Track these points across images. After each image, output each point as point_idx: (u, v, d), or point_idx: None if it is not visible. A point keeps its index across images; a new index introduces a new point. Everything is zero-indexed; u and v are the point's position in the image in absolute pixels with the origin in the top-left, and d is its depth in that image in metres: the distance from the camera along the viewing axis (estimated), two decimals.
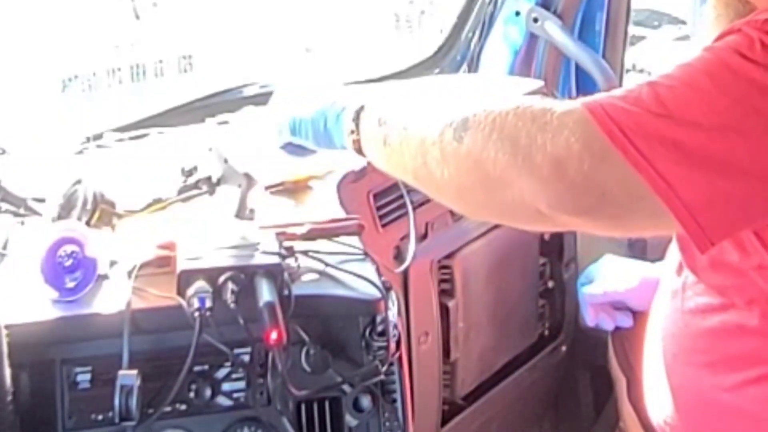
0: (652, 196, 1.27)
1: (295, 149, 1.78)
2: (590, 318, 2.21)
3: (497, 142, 1.34)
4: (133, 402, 1.46)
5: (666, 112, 1.28)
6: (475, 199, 1.44)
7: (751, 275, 1.55)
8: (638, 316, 2.12)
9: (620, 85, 2.84)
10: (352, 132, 1.61)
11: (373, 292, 1.65)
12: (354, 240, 1.78)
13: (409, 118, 1.50)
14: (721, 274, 1.61)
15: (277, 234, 1.67)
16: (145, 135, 2.26)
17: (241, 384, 1.65)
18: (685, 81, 1.31)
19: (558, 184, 1.30)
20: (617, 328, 2.22)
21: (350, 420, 1.68)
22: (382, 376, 1.68)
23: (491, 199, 1.40)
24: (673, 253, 1.75)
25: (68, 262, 1.58)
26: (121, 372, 1.48)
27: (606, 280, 2.20)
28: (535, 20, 2.72)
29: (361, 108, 1.61)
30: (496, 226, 2.47)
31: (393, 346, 1.67)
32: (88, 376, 1.58)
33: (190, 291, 1.51)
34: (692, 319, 1.69)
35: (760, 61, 1.28)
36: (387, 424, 1.70)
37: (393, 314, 1.68)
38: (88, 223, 1.76)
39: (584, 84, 2.94)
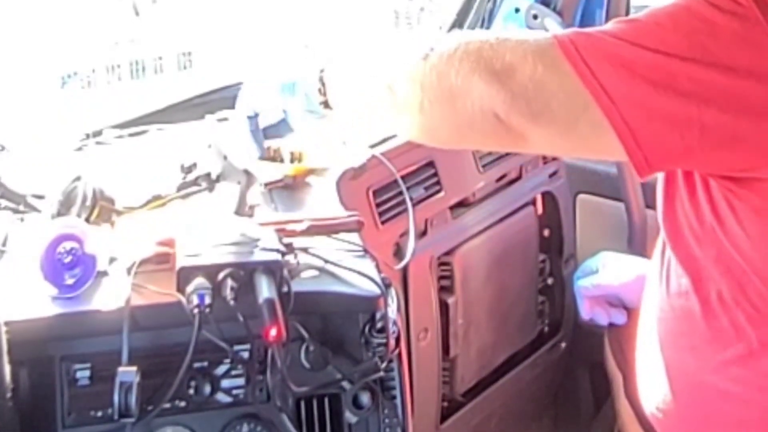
0: (595, 108, 1.35)
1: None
2: (585, 311, 2.22)
3: (462, 54, 1.42)
4: (133, 399, 1.46)
5: (621, 37, 1.38)
6: (436, 113, 1.49)
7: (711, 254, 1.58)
8: (633, 313, 2.12)
9: None
10: (319, 90, 1.71)
11: (373, 289, 1.65)
12: (353, 237, 1.78)
13: (377, 62, 1.61)
14: (695, 253, 1.63)
15: (277, 231, 1.67)
16: (144, 132, 2.26)
17: (241, 381, 1.65)
18: (645, 17, 1.40)
19: (513, 85, 1.38)
20: (611, 325, 2.23)
21: (350, 417, 1.68)
22: (382, 373, 1.69)
23: (452, 110, 1.46)
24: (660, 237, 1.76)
25: (67, 259, 1.58)
26: (120, 369, 1.48)
27: (602, 273, 2.20)
28: (535, 17, 2.72)
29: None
30: (495, 223, 2.48)
31: (392, 342, 1.67)
32: (87, 373, 1.59)
33: (189, 288, 1.51)
34: (676, 300, 1.70)
35: (716, 4, 1.36)
36: (386, 420, 1.71)
37: (392, 311, 1.68)
38: (87, 220, 1.76)
39: None
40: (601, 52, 1.37)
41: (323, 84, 1.69)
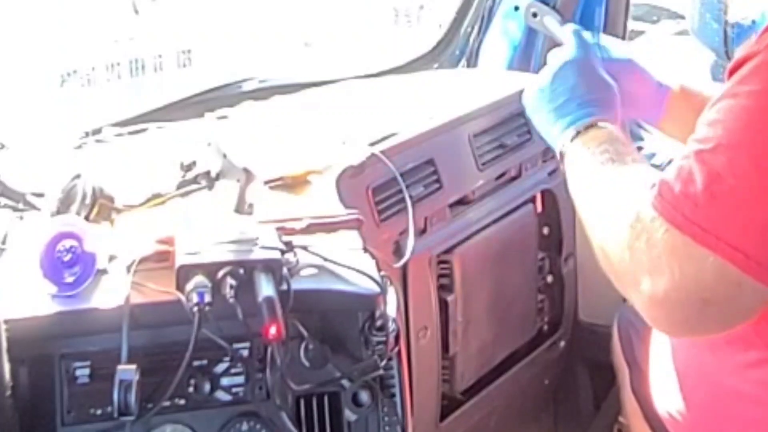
0: (745, 276, 1.30)
1: None
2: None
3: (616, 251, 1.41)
4: (132, 397, 1.46)
5: (719, 181, 1.30)
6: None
7: None
8: None
9: None
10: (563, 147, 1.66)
11: (372, 287, 1.65)
12: (353, 235, 1.78)
13: (591, 175, 1.57)
14: None
15: (277, 229, 1.67)
16: (144, 130, 2.27)
17: (240, 379, 1.65)
18: (726, 139, 1.33)
19: (656, 302, 1.36)
20: (622, 318, 2.22)
21: (349, 415, 1.68)
22: (381, 371, 1.69)
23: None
24: None
25: (67, 257, 1.58)
26: (120, 367, 1.48)
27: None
28: (534, 15, 2.71)
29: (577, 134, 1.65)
30: (494, 221, 2.48)
31: (392, 340, 1.68)
32: (87, 371, 1.59)
33: (189, 286, 1.51)
34: None
35: None
36: (386, 418, 1.71)
37: (392, 309, 1.68)
38: (87, 218, 1.76)
39: None
40: (725, 217, 1.30)
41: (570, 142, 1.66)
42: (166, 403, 1.57)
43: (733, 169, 1.30)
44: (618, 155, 1.56)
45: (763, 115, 1.31)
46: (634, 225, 1.37)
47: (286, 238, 1.66)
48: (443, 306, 2.35)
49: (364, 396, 1.67)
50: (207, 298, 1.49)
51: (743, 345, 1.62)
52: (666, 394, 1.81)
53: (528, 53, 2.83)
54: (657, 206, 1.34)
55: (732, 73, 1.38)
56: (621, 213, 1.41)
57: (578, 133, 1.64)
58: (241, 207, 1.79)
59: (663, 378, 1.82)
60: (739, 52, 1.38)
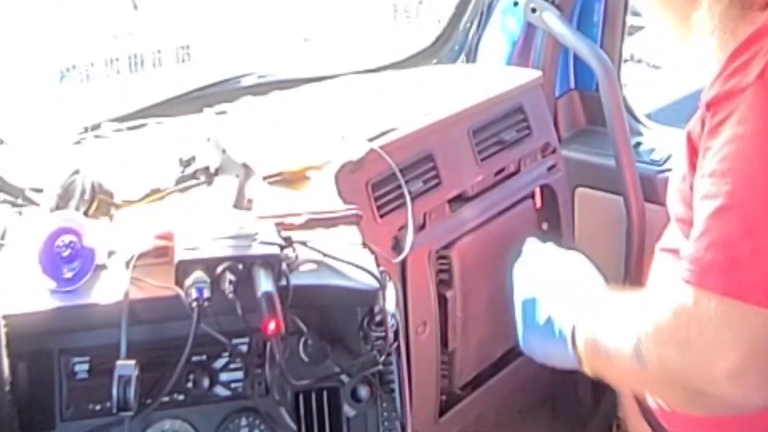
0: None
1: None
2: None
3: (671, 387, 1.42)
4: (131, 392, 1.46)
5: (748, 244, 1.27)
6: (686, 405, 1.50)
7: None
8: None
9: (618, 75, 2.84)
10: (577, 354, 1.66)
11: (371, 283, 1.65)
12: (352, 230, 1.78)
13: (607, 342, 1.53)
14: None
15: (276, 224, 1.67)
16: (143, 125, 2.26)
17: (239, 374, 1.65)
18: (742, 194, 1.29)
19: (739, 379, 1.31)
20: None
21: (348, 410, 1.68)
22: (380, 366, 1.69)
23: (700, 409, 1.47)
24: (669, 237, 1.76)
25: (66, 252, 1.58)
26: (119, 362, 1.48)
27: None
28: (533, 10, 2.72)
29: (573, 329, 1.63)
30: (494, 217, 2.48)
31: (391, 336, 1.68)
32: (85, 366, 1.59)
33: (188, 281, 1.51)
34: None
35: None
36: (385, 414, 1.71)
37: (391, 304, 1.68)
38: (86, 214, 1.76)
39: (582, 74, 2.94)
40: (759, 265, 1.27)
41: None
42: (165, 399, 1.58)
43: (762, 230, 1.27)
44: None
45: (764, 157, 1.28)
46: (672, 318, 1.34)
47: (285, 234, 1.66)
48: (442, 301, 2.35)
49: (363, 391, 1.67)
50: (206, 294, 1.49)
51: None
52: None
53: (527, 49, 2.83)
54: (696, 280, 1.30)
55: (711, 106, 1.34)
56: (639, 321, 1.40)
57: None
58: (240, 202, 1.79)
59: None
60: (715, 85, 1.34)
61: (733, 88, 1.30)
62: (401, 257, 2.12)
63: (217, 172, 1.89)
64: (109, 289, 1.57)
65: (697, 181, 1.35)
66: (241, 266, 1.54)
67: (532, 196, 2.63)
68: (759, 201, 1.27)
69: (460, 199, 2.42)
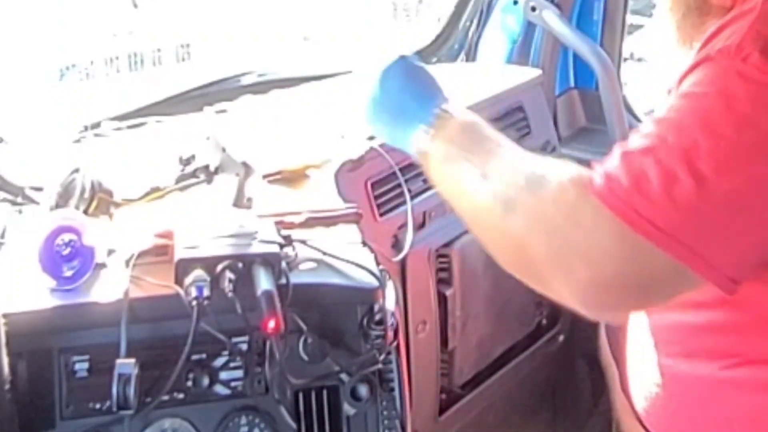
0: (690, 270, 1.31)
1: None
2: None
3: (539, 235, 1.38)
4: (131, 391, 1.46)
5: (673, 179, 1.31)
6: (515, 272, 1.51)
7: None
8: None
9: (618, 74, 2.84)
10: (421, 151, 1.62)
11: (371, 281, 1.65)
12: (352, 229, 1.78)
13: (471, 167, 1.52)
14: None
15: (275, 223, 1.67)
16: (142, 124, 2.26)
17: (239, 373, 1.65)
18: (680, 139, 1.33)
19: (596, 287, 1.34)
20: None
21: (348, 409, 1.68)
22: (380, 365, 1.69)
23: (528, 281, 1.48)
24: None
25: (66, 251, 1.58)
26: (118, 361, 1.48)
27: None
28: (533, 9, 2.72)
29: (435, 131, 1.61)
30: None
31: (391, 334, 1.68)
32: (85, 365, 1.59)
33: (187, 280, 1.51)
34: (668, 312, 1.70)
35: (745, 95, 1.31)
36: (385, 412, 1.71)
37: (391, 303, 1.68)
38: (85, 212, 1.76)
39: (582, 73, 2.95)
40: (665, 206, 1.30)
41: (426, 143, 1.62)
42: (165, 397, 1.57)
43: (692, 170, 1.30)
44: (491, 138, 1.58)
45: (715, 115, 1.32)
46: (564, 208, 1.36)
47: (284, 232, 1.66)
48: (442, 300, 2.35)
49: (363, 390, 1.67)
50: (206, 292, 1.49)
51: (716, 355, 1.63)
52: (642, 393, 1.81)
53: (527, 47, 2.83)
54: (606, 199, 1.33)
55: (682, 80, 1.40)
56: (543, 196, 1.40)
57: (433, 130, 1.60)
58: (240, 201, 1.79)
59: (639, 378, 1.83)
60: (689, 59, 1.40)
61: (697, 61, 1.38)
62: (401, 256, 2.12)
63: (216, 171, 1.89)
64: (109, 287, 1.57)
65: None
66: (240, 265, 1.54)
67: None
68: (681, 149, 1.32)
69: None
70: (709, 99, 1.34)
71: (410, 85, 1.68)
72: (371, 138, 2.15)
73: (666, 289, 1.38)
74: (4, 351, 1.44)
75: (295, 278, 1.60)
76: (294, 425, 1.66)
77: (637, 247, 1.31)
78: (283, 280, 1.57)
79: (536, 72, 2.72)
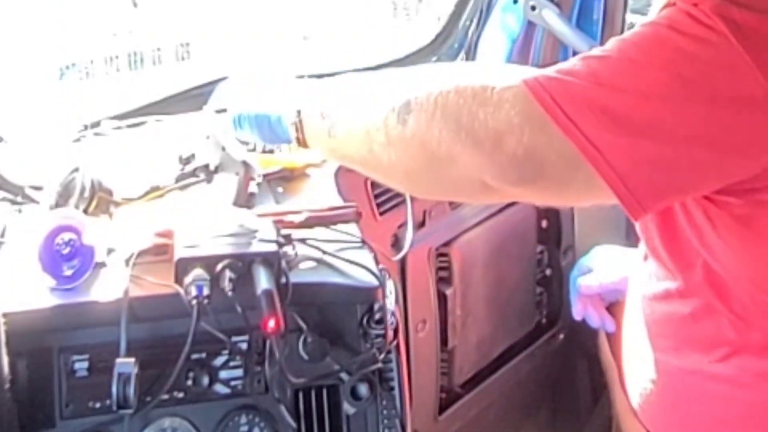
0: (586, 164, 1.33)
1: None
2: (578, 311, 2.22)
3: (440, 121, 1.39)
4: (131, 390, 1.46)
5: (596, 81, 1.34)
6: (422, 179, 1.49)
7: (700, 261, 1.58)
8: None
9: None
10: (296, 128, 1.64)
11: (371, 280, 1.65)
12: (352, 228, 1.78)
13: (352, 108, 1.55)
14: (674, 260, 1.63)
15: (275, 222, 1.67)
16: (142, 123, 2.26)
17: (239, 372, 1.65)
18: (616, 53, 1.37)
19: (501, 156, 1.36)
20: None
21: (348, 408, 1.68)
22: (380, 364, 1.69)
23: (438, 178, 1.45)
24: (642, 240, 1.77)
25: (66, 250, 1.58)
26: (118, 360, 1.48)
27: (600, 270, 2.19)
28: (533, 8, 2.71)
29: (301, 105, 1.64)
30: (494, 214, 2.48)
31: (390, 333, 1.68)
32: (85, 364, 1.59)
33: (187, 279, 1.52)
34: (657, 305, 1.71)
35: (687, 32, 1.33)
36: (384, 411, 1.71)
37: (390, 302, 1.68)
38: (85, 211, 1.76)
39: None
40: (581, 102, 1.33)
41: (301, 125, 1.65)
42: (165, 396, 1.58)
43: (614, 77, 1.34)
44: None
45: (657, 43, 1.36)
46: (489, 91, 1.38)
47: (284, 231, 1.66)
48: (442, 299, 2.35)
49: (363, 389, 1.67)
50: (205, 291, 1.50)
51: (705, 346, 1.63)
52: (637, 391, 1.82)
53: (527, 46, 2.83)
54: (528, 82, 1.36)
55: None
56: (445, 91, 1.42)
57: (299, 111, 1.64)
58: (240, 200, 1.79)
59: (634, 375, 1.84)
60: None
61: (662, 7, 1.41)
62: (401, 255, 2.12)
63: (216, 170, 1.88)
64: (109, 286, 1.57)
65: None
66: (240, 264, 1.54)
67: None
68: (615, 62, 1.36)
69: None
70: (655, 27, 1.38)
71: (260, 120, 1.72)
72: None
73: (562, 177, 1.38)
74: (4, 350, 1.44)
75: (295, 277, 1.60)
76: (294, 424, 1.66)
77: (542, 126, 1.34)
78: (283, 280, 1.57)
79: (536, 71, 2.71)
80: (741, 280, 1.54)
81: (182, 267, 1.53)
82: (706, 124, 1.32)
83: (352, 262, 1.67)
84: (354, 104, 1.55)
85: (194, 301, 1.49)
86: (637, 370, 1.82)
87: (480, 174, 1.38)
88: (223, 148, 1.85)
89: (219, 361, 1.65)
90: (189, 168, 1.93)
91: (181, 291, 1.51)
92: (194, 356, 1.61)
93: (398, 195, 2.18)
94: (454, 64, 1.50)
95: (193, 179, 1.92)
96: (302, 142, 1.65)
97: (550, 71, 1.38)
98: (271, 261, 1.56)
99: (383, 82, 1.55)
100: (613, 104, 1.32)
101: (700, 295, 1.61)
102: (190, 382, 1.62)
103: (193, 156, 1.94)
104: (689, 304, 1.64)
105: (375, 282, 1.65)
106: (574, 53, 2.83)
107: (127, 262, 1.59)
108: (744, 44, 1.32)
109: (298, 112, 1.63)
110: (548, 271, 2.76)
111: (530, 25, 2.79)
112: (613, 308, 2.20)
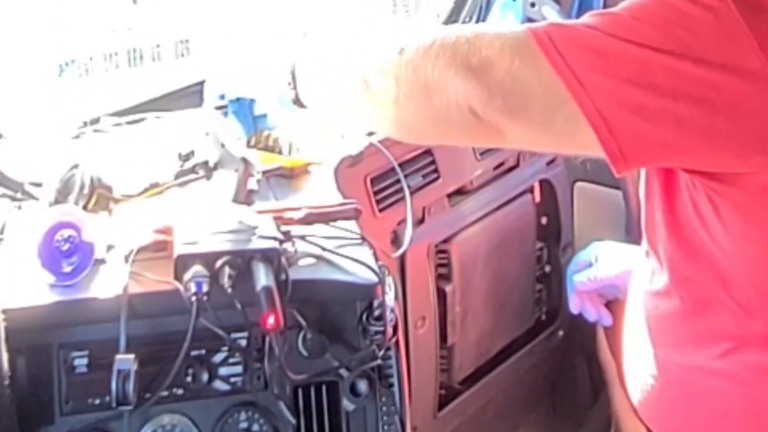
0: (571, 101, 1.35)
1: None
2: (575, 305, 2.22)
3: (438, 48, 1.42)
4: (130, 386, 1.46)
5: (596, 27, 1.37)
6: (411, 107, 1.49)
7: (706, 250, 1.58)
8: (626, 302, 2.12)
9: None
10: (289, 84, 1.71)
11: (370, 277, 1.65)
12: (351, 224, 1.78)
13: (350, 56, 1.61)
14: (678, 253, 1.63)
15: (275, 218, 1.67)
16: (142, 119, 2.26)
17: (238, 368, 1.66)
18: (623, 10, 1.39)
19: (489, 80, 1.38)
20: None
21: (347, 404, 1.68)
22: (379, 361, 1.69)
23: (427, 105, 1.46)
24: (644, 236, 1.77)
25: (65, 247, 1.58)
26: (118, 356, 1.48)
27: (598, 266, 2.20)
28: (532, 5, 2.71)
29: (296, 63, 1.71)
30: (493, 211, 2.48)
31: (390, 330, 1.68)
32: (85, 361, 1.59)
33: (187, 275, 1.51)
34: (658, 300, 1.71)
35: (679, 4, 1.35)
36: (384, 408, 1.71)
37: (390, 299, 1.68)
38: (85, 208, 1.76)
39: None
40: (575, 43, 1.36)
41: (294, 79, 1.70)
42: (164, 393, 1.58)
43: (612, 25, 1.37)
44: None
45: (658, 5, 1.37)
46: (488, 29, 1.43)
47: (284, 228, 1.66)
48: (441, 296, 2.35)
49: (362, 386, 1.68)
50: (205, 288, 1.49)
51: (707, 341, 1.63)
52: (638, 388, 1.82)
53: None
54: (531, 27, 1.41)
55: None
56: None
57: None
58: (239, 197, 1.79)
59: (635, 372, 1.84)
60: None
61: None
62: (400, 251, 2.12)
63: (216, 167, 1.89)
64: (108, 283, 1.57)
65: None
66: (240, 260, 1.54)
67: (531, 190, 2.63)
68: (622, 19, 1.38)
69: (459, 194, 2.42)
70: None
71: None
72: (370, 133, 2.15)
73: (545, 112, 1.39)
74: (4, 347, 1.44)
75: (295, 274, 1.60)
76: (293, 421, 1.66)
77: (533, 58, 1.37)
78: (283, 276, 1.57)
79: None
80: (742, 269, 1.54)
81: (182, 263, 1.53)
82: (696, 83, 1.34)
83: (351, 259, 1.67)
84: (354, 52, 1.61)
85: (194, 298, 1.49)
86: (637, 366, 1.82)
87: (468, 99, 1.39)
88: (223, 145, 1.85)
89: (218, 357, 1.65)
90: (188, 165, 1.93)
91: (181, 288, 1.51)
92: (194, 353, 1.61)
93: (398, 192, 2.18)
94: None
95: (192, 176, 1.92)
96: (297, 100, 1.71)
97: (562, 25, 1.42)
98: (271, 258, 1.56)
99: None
100: (607, 49, 1.35)
101: (700, 285, 1.61)
102: (189, 379, 1.62)
103: (192, 153, 1.94)
104: (690, 297, 1.64)
105: (374, 279, 1.65)
106: None
107: (126, 258, 1.59)
108: (744, 15, 1.33)
109: (292, 71, 1.69)
110: (548, 268, 2.76)
111: (529, 22, 2.79)
112: (613, 306, 2.20)
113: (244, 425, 1.64)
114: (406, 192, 2.17)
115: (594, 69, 1.34)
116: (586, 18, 1.40)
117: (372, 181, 2.16)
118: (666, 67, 1.33)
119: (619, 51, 1.34)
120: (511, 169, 2.57)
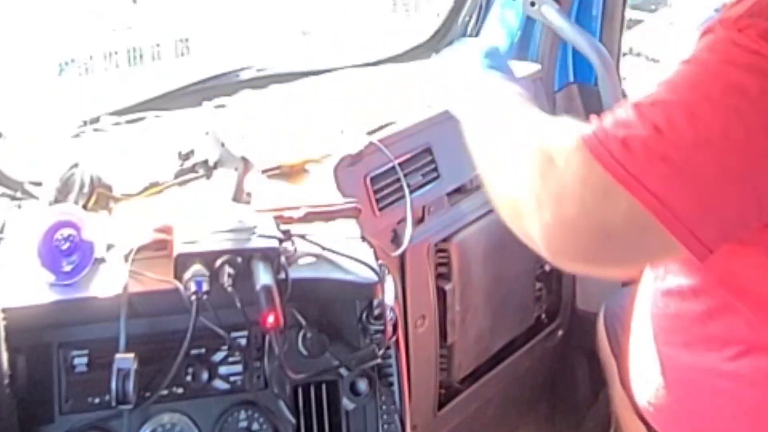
0: (654, 222, 1.30)
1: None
2: None
3: (524, 179, 1.41)
4: (130, 385, 1.46)
5: (652, 130, 1.31)
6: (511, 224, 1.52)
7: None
8: (629, 299, 2.12)
9: (617, 68, 2.84)
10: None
11: (370, 276, 1.65)
12: (351, 223, 1.78)
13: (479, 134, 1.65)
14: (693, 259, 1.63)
15: (274, 217, 1.67)
16: (141, 119, 2.26)
17: (238, 367, 1.65)
18: (667, 95, 1.34)
19: (560, 228, 1.36)
20: (607, 309, 2.24)
21: (347, 403, 1.68)
22: (379, 360, 1.69)
23: (519, 232, 1.49)
24: None
25: (65, 246, 1.58)
26: (117, 355, 1.48)
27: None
28: (532, 4, 2.71)
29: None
30: (492, 210, 2.47)
31: (390, 329, 1.68)
32: (84, 360, 1.59)
33: (186, 274, 1.51)
34: (670, 300, 1.70)
35: (735, 61, 1.31)
36: (384, 407, 1.71)
37: (390, 298, 1.68)
38: (84, 207, 1.76)
39: (581, 68, 2.94)
40: (638, 153, 1.31)
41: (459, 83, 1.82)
42: (164, 392, 1.58)
43: (670, 123, 1.31)
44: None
45: (707, 79, 1.33)
46: (548, 153, 1.38)
47: (284, 227, 1.66)
48: (441, 295, 2.35)
49: (362, 385, 1.67)
50: (205, 287, 1.49)
51: (718, 344, 1.63)
52: (644, 388, 1.82)
53: (526, 42, 2.83)
54: (586, 141, 1.34)
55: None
56: (531, 143, 1.43)
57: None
58: (239, 196, 1.79)
59: (641, 372, 1.83)
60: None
61: (703, 31, 1.38)
62: (400, 250, 2.12)
63: (215, 166, 1.89)
64: (108, 282, 1.57)
65: None
66: (239, 259, 1.54)
67: None
68: (668, 106, 1.32)
69: (458, 193, 2.42)
70: (702, 62, 1.35)
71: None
72: (370, 132, 2.15)
73: (629, 240, 1.36)
74: (4, 346, 1.44)
75: (294, 273, 1.60)
76: (293, 420, 1.66)
77: (604, 188, 1.32)
78: (282, 275, 1.57)
79: (535, 67, 2.72)
80: (761, 279, 1.53)
81: (181, 262, 1.53)
82: None
83: (351, 258, 1.67)
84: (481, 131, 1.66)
85: (193, 297, 1.49)
86: (645, 365, 1.81)
87: (540, 244, 1.39)
88: (222, 144, 1.85)
89: (218, 356, 1.65)
90: (188, 164, 1.93)
91: (181, 287, 1.51)
92: (193, 352, 1.61)
93: (397, 191, 2.19)
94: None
95: (192, 175, 1.92)
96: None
97: (605, 126, 1.36)
98: (271, 256, 1.56)
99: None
100: (672, 152, 1.30)
101: (717, 291, 1.60)
102: (189, 378, 1.62)
103: (192, 152, 1.94)
104: (703, 300, 1.63)
105: (374, 278, 1.65)
106: (573, 49, 2.84)
107: (126, 257, 1.59)
108: None
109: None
110: (547, 267, 2.76)
111: (529, 21, 2.80)
112: (620, 308, 2.19)
113: (243, 424, 1.64)
114: (406, 191, 2.17)
115: (668, 178, 1.31)
116: (634, 113, 1.35)
117: (372, 180, 2.16)
118: (740, 155, 1.31)
119: (689, 153, 1.30)
120: None
